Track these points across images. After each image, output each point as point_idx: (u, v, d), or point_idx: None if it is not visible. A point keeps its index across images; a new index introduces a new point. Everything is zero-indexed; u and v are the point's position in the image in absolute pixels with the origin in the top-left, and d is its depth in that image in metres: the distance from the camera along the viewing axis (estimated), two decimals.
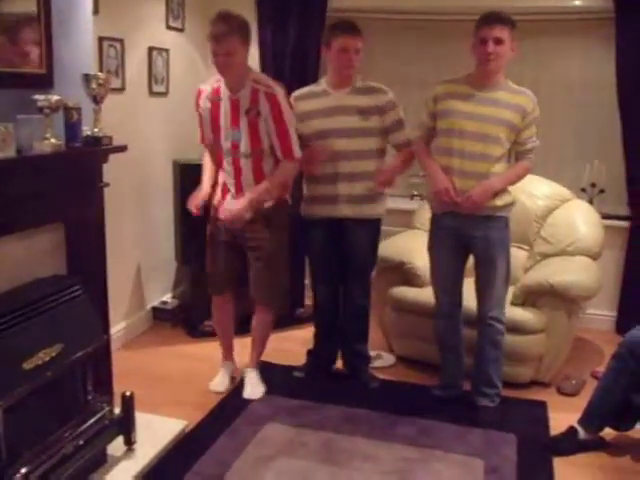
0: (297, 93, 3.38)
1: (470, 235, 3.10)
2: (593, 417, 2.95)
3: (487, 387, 3.25)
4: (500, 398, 3.28)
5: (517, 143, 3.05)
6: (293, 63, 4.52)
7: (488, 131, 2.99)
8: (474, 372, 3.29)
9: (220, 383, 3.48)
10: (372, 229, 3.42)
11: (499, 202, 3.05)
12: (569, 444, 2.95)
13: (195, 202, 3.25)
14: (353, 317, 3.54)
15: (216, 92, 3.14)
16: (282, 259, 3.31)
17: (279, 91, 3.07)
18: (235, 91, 3.08)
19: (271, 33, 4.53)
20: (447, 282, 3.25)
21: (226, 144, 3.14)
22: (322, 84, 3.37)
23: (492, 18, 2.94)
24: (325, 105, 3.29)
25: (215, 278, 3.37)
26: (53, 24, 2.55)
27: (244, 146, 3.10)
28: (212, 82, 3.19)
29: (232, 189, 3.20)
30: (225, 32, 2.93)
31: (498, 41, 2.91)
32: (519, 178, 3.12)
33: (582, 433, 2.95)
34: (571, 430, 2.97)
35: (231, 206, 3.13)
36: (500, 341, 3.20)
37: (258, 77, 3.13)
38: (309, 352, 3.69)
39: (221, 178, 3.26)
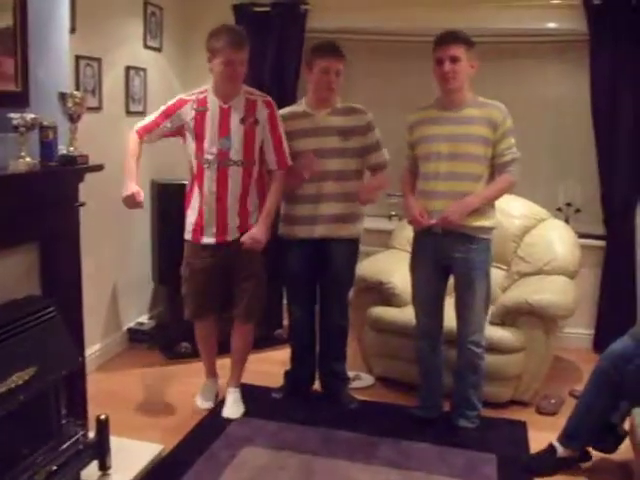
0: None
1: (450, 256, 3.09)
2: (572, 434, 2.93)
3: (467, 409, 3.23)
4: (480, 419, 3.26)
5: (495, 156, 3.04)
6: (272, 82, 4.51)
7: (463, 150, 3.00)
8: (454, 394, 3.27)
9: (206, 399, 3.45)
10: (351, 248, 3.42)
11: (479, 223, 3.04)
12: (547, 462, 2.93)
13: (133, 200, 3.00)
14: (331, 337, 3.51)
15: (202, 103, 3.15)
16: (265, 275, 3.31)
17: (273, 101, 3.20)
18: (227, 100, 3.11)
19: (249, 52, 4.51)
20: (428, 302, 3.24)
21: (210, 151, 3.11)
22: (302, 105, 3.37)
23: (446, 38, 2.98)
24: (306, 126, 3.30)
25: (198, 304, 3.31)
26: (29, 42, 2.52)
27: (235, 154, 3.11)
28: (196, 94, 3.19)
29: (213, 204, 3.13)
30: (243, 41, 3.06)
31: (454, 59, 2.95)
32: (501, 192, 3.09)
33: (561, 450, 2.93)
34: (550, 448, 2.96)
35: (253, 235, 3.13)
36: (480, 365, 3.18)
37: (250, 89, 3.22)
38: (286, 373, 3.66)
39: (196, 201, 3.20)
